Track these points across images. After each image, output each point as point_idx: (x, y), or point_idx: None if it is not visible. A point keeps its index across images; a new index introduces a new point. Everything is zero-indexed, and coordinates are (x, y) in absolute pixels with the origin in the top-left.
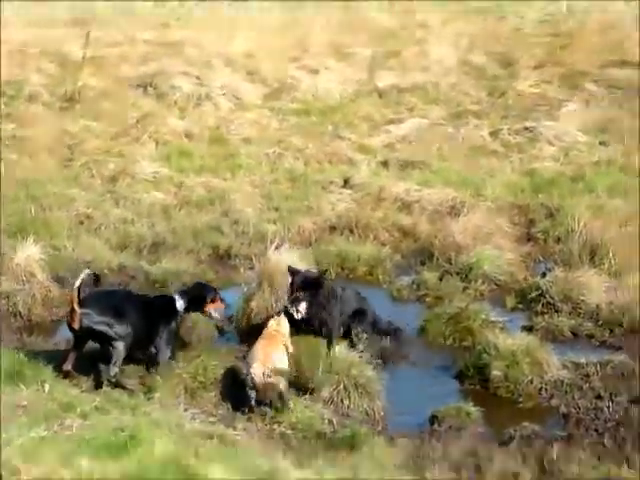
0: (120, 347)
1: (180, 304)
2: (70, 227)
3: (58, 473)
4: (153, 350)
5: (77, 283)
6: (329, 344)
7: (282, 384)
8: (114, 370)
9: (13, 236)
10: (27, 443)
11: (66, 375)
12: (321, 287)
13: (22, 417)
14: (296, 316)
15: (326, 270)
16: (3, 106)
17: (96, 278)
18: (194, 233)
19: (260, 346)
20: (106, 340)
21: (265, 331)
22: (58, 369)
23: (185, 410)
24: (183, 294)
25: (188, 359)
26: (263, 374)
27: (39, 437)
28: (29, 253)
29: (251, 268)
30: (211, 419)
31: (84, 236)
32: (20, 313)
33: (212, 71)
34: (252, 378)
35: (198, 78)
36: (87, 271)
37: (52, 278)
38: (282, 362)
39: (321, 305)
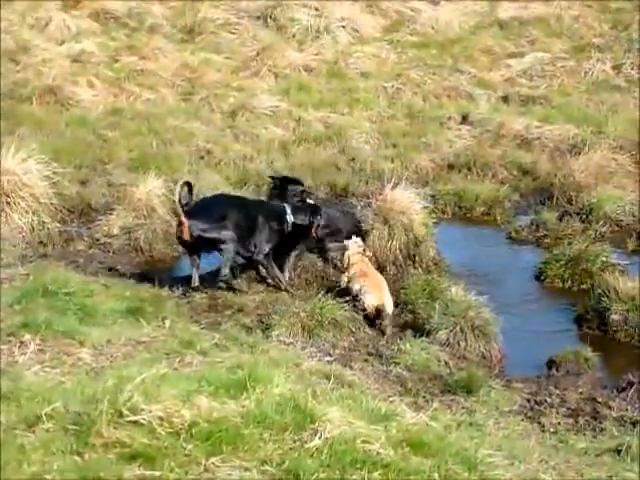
0: (230, 248)
1: (290, 217)
2: (190, 162)
3: (178, 411)
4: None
5: (176, 196)
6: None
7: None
8: (225, 271)
9: (135, 170)
10: (148, 380)
11: (195, 290)
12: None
13: (143, 353)
14: None
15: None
16: (125, 38)
17: (189, 186)
18: (312, 170)
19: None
20: (217, 245)
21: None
22: (178, 305)
23: (302, 349)
24: (296, 210)
25: (305, 298)
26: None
27: (160, 374)
28: (150, 187)
29: (367, 206)
30: (328, 358)
31: (205, 171)
32: (141, 248)
33: (331, 2)
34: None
35: (317, 10)
36: (180, 182)
37: (173, 213)
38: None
39: None
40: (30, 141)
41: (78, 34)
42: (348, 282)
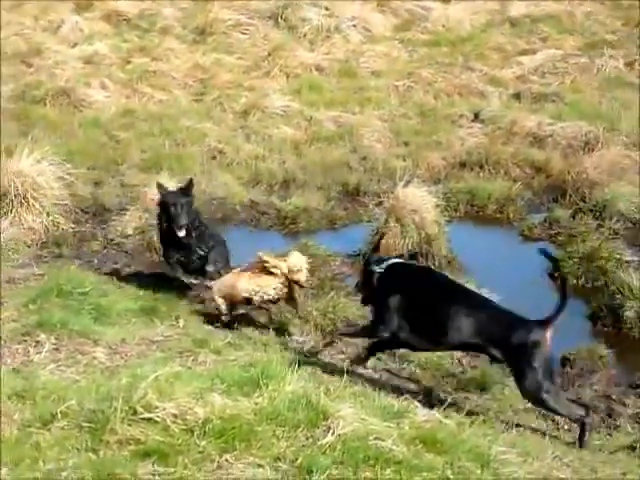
0: None
1: None
2: (203, 162)
3: (192, 409)
4: None
5: None
6: None
7: None
8: None
9: (147, 171)
10: (162, 378)
11: None
12: None
13: (157, 352)
14: None
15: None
16: (137, 39)
17: None
18: (324, 169)
19: None
20: None
21: None
22: (192, 304)
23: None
24: None
25: (318, 296)
26: None
27: (173, 372)
28: None
29: (379, 205)
30: (341, 356)
31: (217, 171)
32: (155, 249)
33: (342, 2)
34: None
35: (328, 9)
36: None
37: None
38: None
39: None
40: (43, 143)
41: (90, 36)
42: None
